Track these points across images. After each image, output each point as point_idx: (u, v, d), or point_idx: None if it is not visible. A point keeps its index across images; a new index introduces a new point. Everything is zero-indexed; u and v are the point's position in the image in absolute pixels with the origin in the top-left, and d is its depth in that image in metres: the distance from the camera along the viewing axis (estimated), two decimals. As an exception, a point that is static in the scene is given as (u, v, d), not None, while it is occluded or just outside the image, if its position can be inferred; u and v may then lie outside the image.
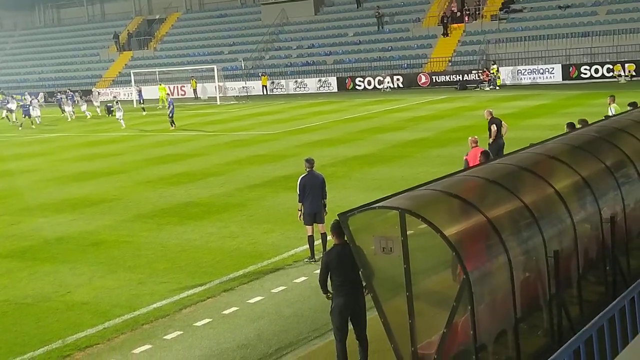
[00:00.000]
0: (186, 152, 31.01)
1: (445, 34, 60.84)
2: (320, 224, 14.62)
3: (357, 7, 69.40)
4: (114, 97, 61.65)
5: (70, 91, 60.75)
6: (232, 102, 57.35)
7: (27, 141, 40.43)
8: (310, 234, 14.53)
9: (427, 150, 26.86)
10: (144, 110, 53.62)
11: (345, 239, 8.94)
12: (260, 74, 63.21)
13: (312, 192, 14.40)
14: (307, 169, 14.57)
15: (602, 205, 10.24)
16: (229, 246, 16.25)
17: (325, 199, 14.63)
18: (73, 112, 52.69)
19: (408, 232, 8.01)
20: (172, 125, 40.39)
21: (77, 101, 57.00)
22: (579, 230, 9.54)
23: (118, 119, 44.26)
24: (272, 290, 13.11)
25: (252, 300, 12.69)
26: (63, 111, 54.30)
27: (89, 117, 52.35)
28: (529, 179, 9.80)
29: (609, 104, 22.63)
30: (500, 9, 60.76)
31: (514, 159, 10.54)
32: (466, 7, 62.90)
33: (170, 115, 40.73)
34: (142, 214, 20.06)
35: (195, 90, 64.74)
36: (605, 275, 10.27)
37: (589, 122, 15.20)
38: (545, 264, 8.87)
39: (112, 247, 16.73)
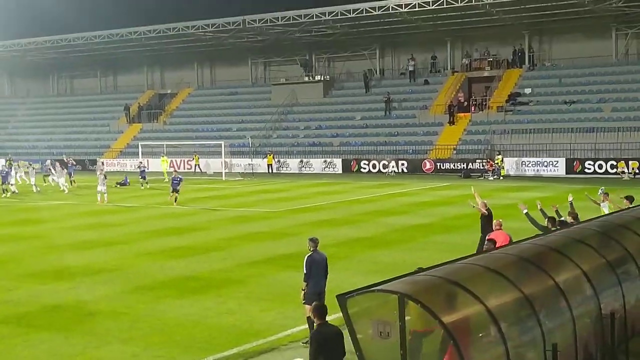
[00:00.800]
0: (189, 226, 31.04)
1: (452, 122, 61.60)
2: None
3: (366, 92, 70.46)
4: (48, 161, 56.91)
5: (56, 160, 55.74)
6: (237, 179, 57.70)
7: (30, 207, 40.53)
8: (309, 314, 14.44)
9: (430, 236, 26.87)
10: (146, 183, 51.58)
11: (326, 319, 9.35)
12: (266, 153, 63.68)
13: (317, 271, 14.43)
14: (312, 249, 14.59)
15: (602, 300, 10.22)
16: (226, 322, 16.13)
17: (326, 278, 14.64)
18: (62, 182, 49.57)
19: (406, 318, 8.00)
20: (172, 199, 38.60)
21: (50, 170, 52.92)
22: (578, 324, 9.52)
23: (59, 184, 44.45)
24: None
25: (246, 379, 12.54)
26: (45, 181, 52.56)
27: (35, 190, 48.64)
28: (530, 270, 9.82)
29: (602, 200, 21.92)
30: (507, 101, 61.65)
31: (515, 249, 10.59)
32: (473, 97, 63.88)
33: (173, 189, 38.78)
34: (141, 285, 19.97)
35: (197, 165, 65.08)
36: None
37: (590, 217, 15.26)
38: (544, 356, 8.81)
39: (108, 318, 16.60)
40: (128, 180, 54.59)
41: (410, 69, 69.47)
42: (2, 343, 14.94)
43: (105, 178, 42.04)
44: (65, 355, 14.02)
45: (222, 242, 26.64)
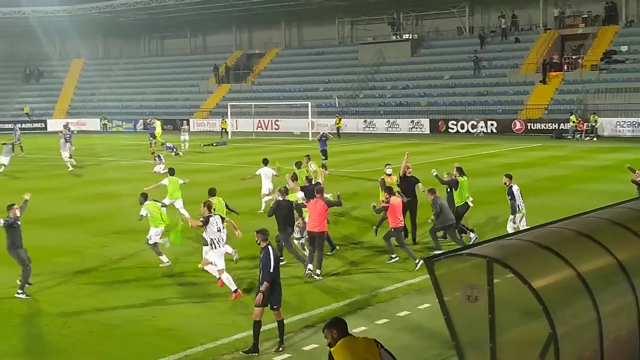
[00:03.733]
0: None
1: (544, 82, 59.96)
2: None
3: (474, 74, 67.22)
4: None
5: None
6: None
7: (129, 166, 41.55)
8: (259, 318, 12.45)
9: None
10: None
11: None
12: (336, 115, 62.29)
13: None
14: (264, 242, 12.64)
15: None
16: (313, 283, 16.28)
17: None
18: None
19: (495, 281, 7.89)
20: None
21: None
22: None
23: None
24: (353, 330, 12.93)
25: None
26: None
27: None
28: (624, 235, 9.52)
29: None
30: (601, 59, 59.54)
31: (608, 214, 10.27)
32: (566, 56, 61.94)
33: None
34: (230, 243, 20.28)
35: (225, 130, 62.51)
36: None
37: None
38: (637, 324, 8.57)
39: (198, 275, 16.98)
40: (225, 141, 55.59)
41: (503, 26, 67.77)
42: (98, 297, 15.50)
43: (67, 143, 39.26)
44: (158, 311, 14.44)
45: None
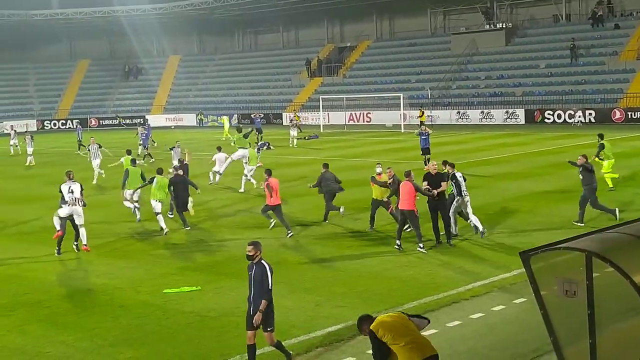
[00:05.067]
0: (364, 178, 31.24)
1: (645, 68, 57.84)
2: None
3: (571, 62, 63.65)
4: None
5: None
6: (415, 131, 57.27)
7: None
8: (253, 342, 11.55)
9: (619, 191, 25.51)
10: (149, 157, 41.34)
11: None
12: (419, 109, 61.00)
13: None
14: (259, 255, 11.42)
15: None
16: (406, 275, 16.22)
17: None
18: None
19: (594, 276, 7.68)
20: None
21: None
22: None
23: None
24: (447, 324, 12.92)
25: (425, 333, 12.53)
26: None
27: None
28: None
29: None
30: None
31: None
32: (669, 41, 59.60)
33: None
34: (324, 236, 20.44)
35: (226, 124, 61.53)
36: None
37: None
38: None
39: (292, 267, 17.16)
40: (317, 135, 55.85)
41: (599, 12, 65.68)
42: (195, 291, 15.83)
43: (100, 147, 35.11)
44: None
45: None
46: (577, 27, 67.48)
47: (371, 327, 8.67)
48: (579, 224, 19.79)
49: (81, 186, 19.77)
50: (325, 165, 22.83)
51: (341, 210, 21.72)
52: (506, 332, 12.53)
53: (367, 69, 77.71)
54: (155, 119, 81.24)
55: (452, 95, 67.01)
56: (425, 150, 34.72)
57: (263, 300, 10.99)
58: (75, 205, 19.48)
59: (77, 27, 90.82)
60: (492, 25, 71.27)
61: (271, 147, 46.70)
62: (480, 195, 24.69)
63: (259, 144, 46.23)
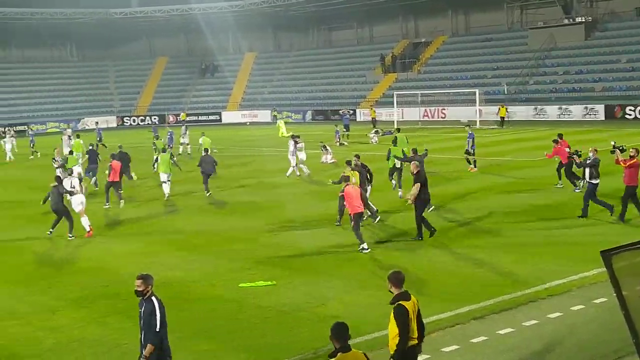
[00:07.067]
0: (442, 176, 31.03)
1: None
2: None
3: None
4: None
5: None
6: (492, 127, 56.56)
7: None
8: None
9: None
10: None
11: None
12: (501, 105, 60.13)
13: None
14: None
15: None
16: (479, 273, 15.99)
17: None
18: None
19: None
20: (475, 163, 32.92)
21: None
22: None
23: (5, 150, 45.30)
24: (524, 323, 12.67)
25: (502, 332, 12.35)
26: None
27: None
28: None
29: None
30: None
31: None
32: None
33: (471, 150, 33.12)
34: (396, 233, 20.30)
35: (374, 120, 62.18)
36: None
37: None
38: None
39: (365, 263, 17.12)
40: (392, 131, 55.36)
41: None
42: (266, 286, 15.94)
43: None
44: (325, 298, 14.67)
45: (476, 192, 26.36)
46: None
47: None
48: None
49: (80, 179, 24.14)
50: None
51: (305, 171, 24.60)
52: (586, 332, 12.21)
53: (442, 64, 76.93)
54: (231, 116, 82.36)
55: (529, 90, 65.78)
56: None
57: (148, 345, 9.34)
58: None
59: (155, 25, 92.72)
60: (571, 20, 69.60)
61: (344, 142, 46.81)
62: (557, 193, 24.16)
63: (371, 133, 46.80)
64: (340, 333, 8.07)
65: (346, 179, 19.74)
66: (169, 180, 28.44)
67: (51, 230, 21.86)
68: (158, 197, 28.80)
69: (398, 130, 36.56)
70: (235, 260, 18.12)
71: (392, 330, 9.01)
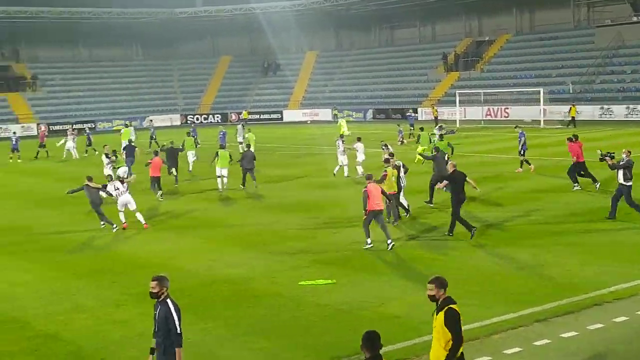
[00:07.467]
0: (495, 175, 30.63)
1: None
2: None
3: None
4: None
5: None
6: (557, 127, 55.55)
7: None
8: None
9: None
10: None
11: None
12: (571, 105, 58.54)
13: None
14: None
15: None
16: (543, 275, 15.73)
17: None
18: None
19: None
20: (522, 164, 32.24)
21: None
22: None
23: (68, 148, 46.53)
24: (588, 327, 12.42)
25: (565, 335, 12.13)
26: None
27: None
28: None
29: None
30: None
31: None
32: None
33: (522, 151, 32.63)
34: (455, 231, 20.09)
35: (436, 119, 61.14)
36: None
37: None
38: None
39: (427, 264, 17.00)
40: (454, 130, 54.92)
41: None
42: (339, 283, 15.91)
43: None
44: (386, 298, 14.62)
45: (533, 193, 25.98)
46: None
47: None
48: None
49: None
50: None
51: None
52: (653, 338, 11.92)
53: (506, 63, 75.83)
54: (292, 114, 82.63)
55: (596, 90, 64.40)
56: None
57: (177, 349, 9.32)
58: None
59: (219, 25, 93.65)
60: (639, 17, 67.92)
61: (404, 141, 46.60)
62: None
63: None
64: (372, 342, 7.91)
65: (384, 177, 21.25)
66: (225, 176, 29.58)
67: (105, 223, 22.85)
68: (205, 191, 29.71)
69: (421, 129, 38.47)
70: (295, 258, 18.19)
71: (444, 336, 8.75)
